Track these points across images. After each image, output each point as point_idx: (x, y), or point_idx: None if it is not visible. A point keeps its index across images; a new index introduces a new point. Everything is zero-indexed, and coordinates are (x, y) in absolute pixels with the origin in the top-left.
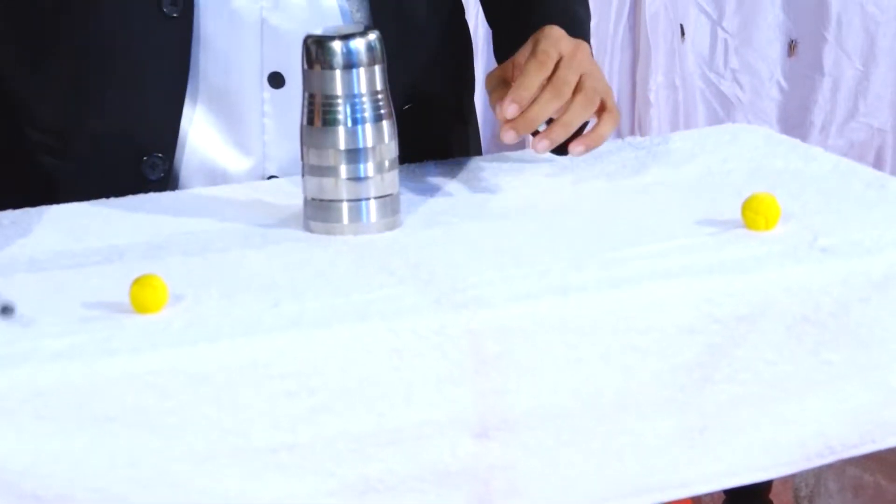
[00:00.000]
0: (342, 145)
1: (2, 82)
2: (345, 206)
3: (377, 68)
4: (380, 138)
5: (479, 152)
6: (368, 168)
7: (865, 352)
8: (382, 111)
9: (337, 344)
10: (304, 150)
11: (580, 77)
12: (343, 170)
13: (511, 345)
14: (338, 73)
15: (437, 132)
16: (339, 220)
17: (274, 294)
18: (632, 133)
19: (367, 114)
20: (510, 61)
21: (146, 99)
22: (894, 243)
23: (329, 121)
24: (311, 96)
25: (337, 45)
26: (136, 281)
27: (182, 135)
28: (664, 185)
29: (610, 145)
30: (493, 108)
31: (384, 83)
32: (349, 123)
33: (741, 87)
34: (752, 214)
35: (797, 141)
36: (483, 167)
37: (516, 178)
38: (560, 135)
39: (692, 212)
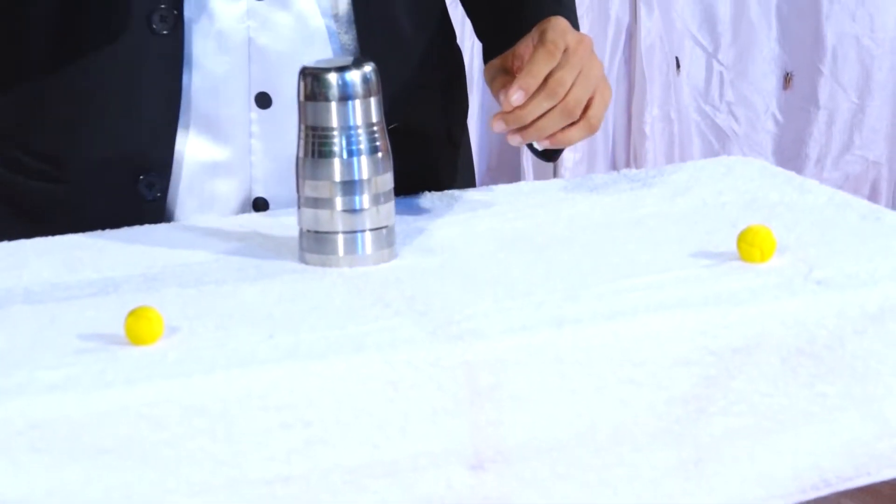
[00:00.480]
0: (338, 177)
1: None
2: (340, 238)
3: (373, 100)
4: (375, 170)
5: (471, 179)
6: (364, 200)
7: (861, 384)
8: (378, 143)
9: (332, 376)
10: (300, 181)
11: (574, 80)
12: (338, 202)
13: (506, 377)
14: (333, 105)
15: (424, 156)
16: (334, 251)
17: (269, 326)
18: (627, 165)
19: (363, 146)
20: (510, 52)
21: (140, 118)
22: (889, 276)
23: (324, 153)
24: (307, 128)
25: (333, 77)
26: (132, 313)
27: (177, 154)
28: (659, 217)
29: (605, 178)
30: (496, 96)
31: (380, 115)
32: (345, 155)
33: (736, 119)
34: (748, 247)
35: (792, 173)
36: (478, 198)
37: (511, 209)
38: (531, 136)
39: (687, 244)
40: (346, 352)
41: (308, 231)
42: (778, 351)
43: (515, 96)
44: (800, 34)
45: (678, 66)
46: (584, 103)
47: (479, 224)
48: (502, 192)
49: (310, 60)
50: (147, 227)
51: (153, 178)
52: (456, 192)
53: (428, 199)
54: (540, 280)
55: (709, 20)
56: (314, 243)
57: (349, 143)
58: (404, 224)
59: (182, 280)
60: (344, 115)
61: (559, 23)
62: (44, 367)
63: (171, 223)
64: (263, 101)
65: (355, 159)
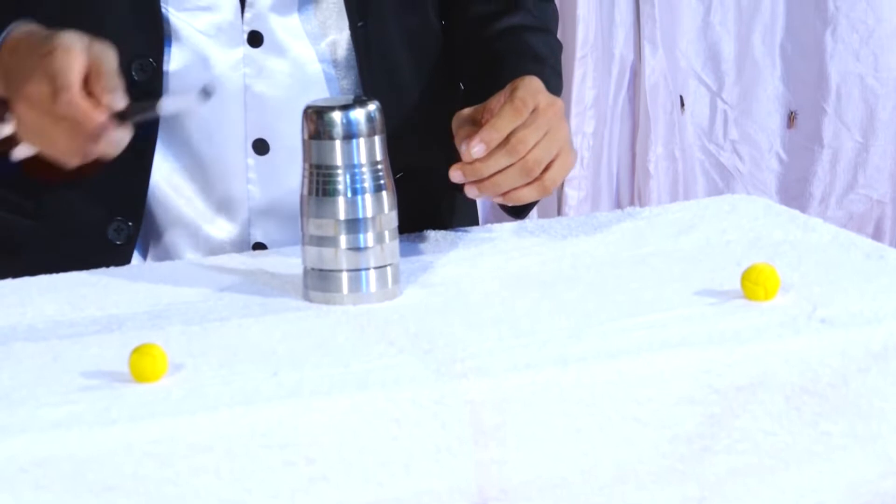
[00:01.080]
0: (342, 215)
1: None
2: (344, 276)
3: (377, 138)
4: (380, 209)
5: (474, 217)
6: (368, 238)
7: (864, 423)
8: (382, 181)
9: (336, 413)
10: (304, 219)
11: (538, 140)
12: (343, 240)
13: (510, 415)
14: (338, 143)
15: (427, 195)
16: (338, 289)
17: (273, 363)
18: (631, 203)
19: (367, 184)
20: (482, 105)
21: (115, 162)
22: (893, 314)
23: (329, 191)
24: (311, 166)
25: (337, 116)
26: (136, 350)
27: (160, 200)
28: (663, 256)
29: (610, 216)
30: (459, 146)
31: (384, 153)
32: (349, 194)
33: (740, 158)
34: (752, 285)
35: (796, 212)
36: (482, 237)
37: (515, 247)
38: (487, 190)
39: (691, 282)
40: (349, 389)
41: (312, 269)
42: (782, 389)
43: (476, 149)
44: (804, 73)
45: (682, 104)
46: (543, 164)
47: (483, 262)
48: (506, 230)
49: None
50: (151, 264)
51: (121, 224)
52: (460, 231)
53: (432, 237)
54: (544, 318)
55: (713, 59)
56: (318, 281)
57: (353, 182)
58: (408, 262)
59: (186, 317)
60: (348, 154)
61: (533, 82)
62: (47, 404)
63: (175, 261)
64: (261, 147)
65: (359, 198)
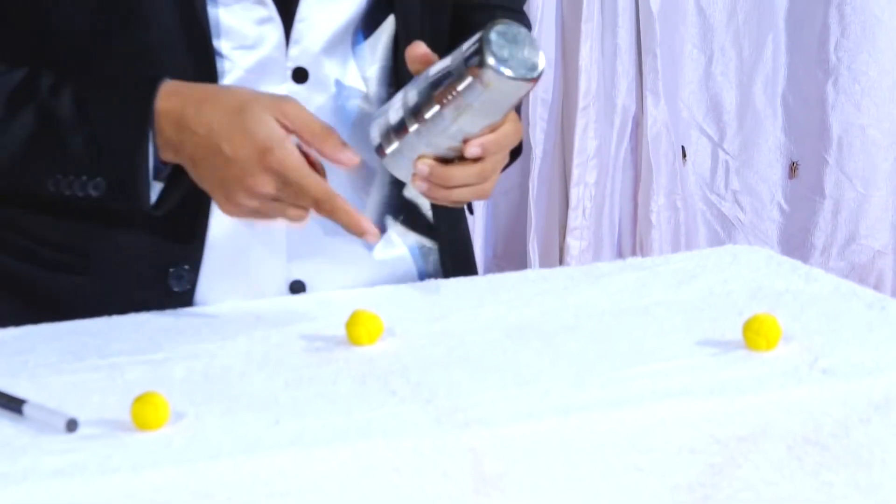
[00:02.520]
0: None
1: (7, 206)
2: None
3: None
4: None
5: (473, 266)
6: None
7: (866, 473)
8: None
9: (338, 462)
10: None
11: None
12: None
13: (512, 464)
14: None
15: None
16: None
17: (275, 412)
18: (633, 254)
19: None
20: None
21: (173, 212)
22: (895, 365)
23: None
24: None
25: None
26: (138, 398)
27: (210, 241)
28: (665, 306)
29: (611, 266)
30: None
31: None
32: None
33: (742, 208)
34: (753, 335)
35: (798, 262)
36: (484, 286)
37: (517, 296)
38: (438, 194)
39: (693, 332)
40: (351, 438)
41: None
42: (783, 439)
43: (474, 150)
44: (805, 124)
45: (684, 154)
46: (496, 171)
47: (485, 311)
48: (508, 279)
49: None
50: (153, 313)
51: (182, 271)
52: (462, 279)
53: (434, 285)
54: (546, 368)
55: (714, 109)
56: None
57: None
58: (410, 311)
59: (188, 365)
60: None
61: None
62: (49, 452)
63: (177, 309)
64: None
65: None
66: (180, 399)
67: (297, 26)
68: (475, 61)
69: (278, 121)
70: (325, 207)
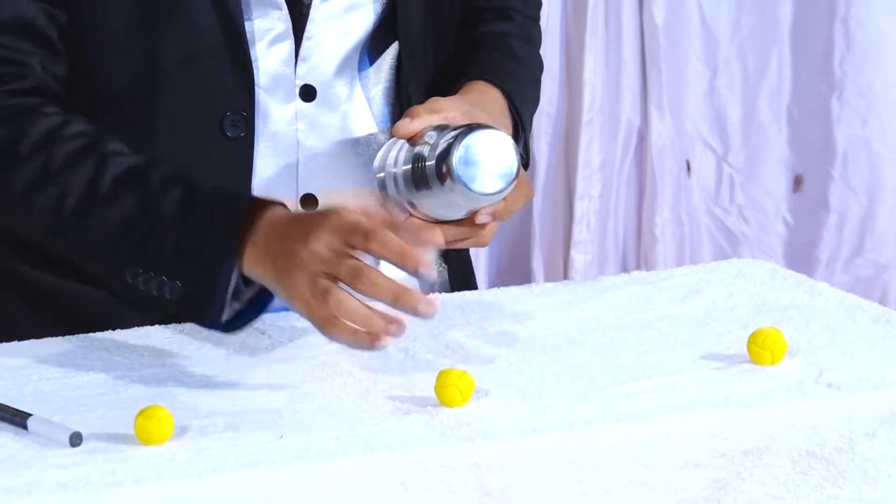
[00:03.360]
0: None
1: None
2: None
3: None
4: None
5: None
6: None
7: (871, 487)
8: None
9: (342, 476)
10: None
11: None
12: None
13: (516, 478)
14: None
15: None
16: None
17: (279, 426)
18: (637, 268)
19: None
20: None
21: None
22: None
23: None
24: None
25: None
26: (142, 412)
27: None
28: (670, 320)
29: (616, 280)
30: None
31: None
32: None
33: (747, 222)
34: (758, 349)
35: (803, 276)
36: (488, 300)
37: (521, 311)
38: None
39: (698, 346)
40: (355, 452)
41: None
42: (788, 454)
43: (484, 218)
44: (810, 137)
45: (689, 168)
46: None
47: (489, 326)
48: (512, 294)
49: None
50: (157, 327)
51: None
52: (466, 294)
53: (437, 300)
54: (550, 382)
55: (719, 123)
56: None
57: None
58: (414, 325)
59: (192, 379)
60: None
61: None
62: (53, 466)
63: (182, 324)
64: (309, 202)
65: None
66: (184, 413)
67: (306, 44)
68: (444, 168)
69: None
70: (379, 239)
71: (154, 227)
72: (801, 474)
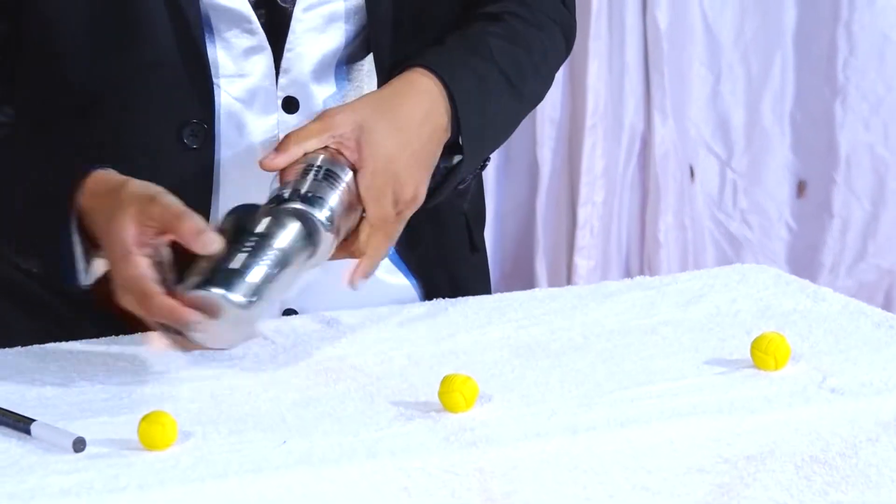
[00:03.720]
0: None
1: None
2: None
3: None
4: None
5: (487, 284)
6: None
7: (874, 492)
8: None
9: (345, 482)
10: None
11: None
12: None
13: (520, 484)
14: None
15: (450, 267)
16: None
17: (282, 431)
18: (641, 273)
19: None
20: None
21: None
22: None
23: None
24: None
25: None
26: (145, 418)
27: None
28: (673, 325)
29: (619, 285)
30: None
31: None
32: None
33: (750, 227)
34: (762, 354)
35: (806, 281)
36: (492, 305)
37: (525, 316)
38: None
39: (701, 351)
40: (359, 458)
41: None
42: (792, 459)
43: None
44: (813, 142)
45: (692, 173)
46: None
47: (493, 330)
48: (517, 298)
49: None
50: (161, 332)
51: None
52: (470, 299)
53: (442, 305)
54: (554, 387)
55: (722, 128)
56: None
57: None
58: (417, 330)
59: (196, 385)
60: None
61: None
62: (56, 471)
63: None
64: None
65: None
66: (187, 419)
67: (287, 55)
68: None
69: (142, 225)
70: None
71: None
72: (804, 479)
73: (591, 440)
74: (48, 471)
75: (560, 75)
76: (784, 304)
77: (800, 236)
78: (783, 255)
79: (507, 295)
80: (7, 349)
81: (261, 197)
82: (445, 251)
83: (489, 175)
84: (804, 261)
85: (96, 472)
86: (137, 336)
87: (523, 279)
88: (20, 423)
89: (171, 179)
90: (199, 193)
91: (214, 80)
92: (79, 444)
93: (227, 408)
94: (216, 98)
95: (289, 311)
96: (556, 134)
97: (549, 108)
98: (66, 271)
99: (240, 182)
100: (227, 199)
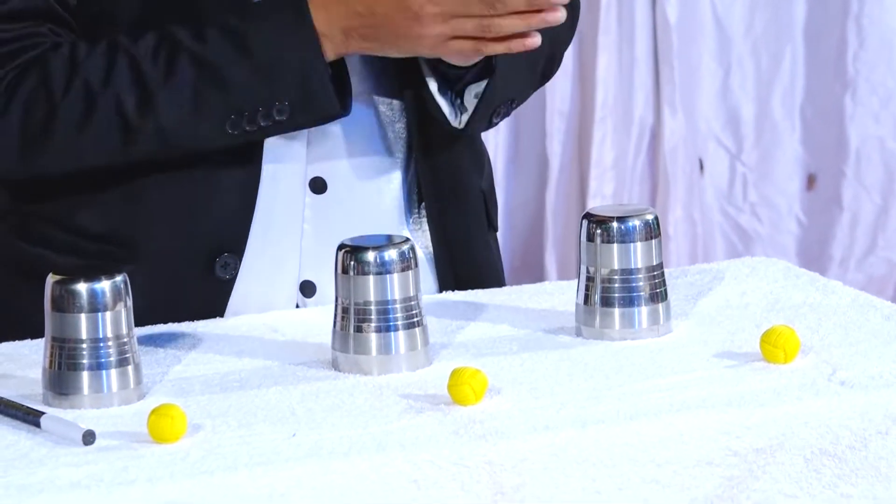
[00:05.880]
0: (374, 351)
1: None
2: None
3: (410, 273)
4: (412, 345)
5: (501, 269)
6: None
7: (884, 485)
8: (415, 318)
9: (355, 474)
10: (335, 354)
11: None
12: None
13: (529, 476)
14: (370, 278)
15: (471, 238)
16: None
17: (292, 425)
18: None
19: (400, 322)
20: None
21: (221, 199)
22: None
23: (362, 328)
24: (344, 302)
25: (370, 255)
26: (155, 410)
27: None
28: (683, 318)
29: None
30: None
31: (416, 288)
32: (381, 331)
33: (760, 220)
34: (771, 347)
35: (816, 274)
36: (502, 298)
37: (535, 309)
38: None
39: (711, 344)
40: (368, 450)
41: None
42: (801, 452)
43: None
44: (823, 136)
45: (701, 167)
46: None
47: (502, 323)
48: (525, 292)
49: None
50: (171, 325)
51: (228, 259)
52: (480, 292)
53: (452, 298)
54: (563, 380)
55: (732, 121)
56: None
57: (386, 320)
58: (431, 323)
59: (206, 378)
60: (381, 290)
61: None
62: (66, 464)
63: (195, 321)
64: (318, 186)
65: (392, 335)
66: (197, 412)
67: None
68: None
69: None
70: None
71: (221, 73)
72: (813, 472)
73: (601, 433)
74: (58, 463)
75: (570, 68)
76: (794, 297)
77: (809, 229)
78: (793, 249)
79: (516, 288)
80: (17, 342)
81: (286, 170)
82: (466, 230)
83: (498, 168)
84: (814, 254)
85: (106, 465)
86: (146, 329)
87: (533, 272)
88: (30, 416)
89: (220, 155)
90: (249, 171)
91: None
92: (88, 437)
93: (236, 400)
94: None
95: (306, 283)
96: (565, 127)
97: (559, 101)
98: (325, 95)
99: (275, 155)
100: (264, 175)
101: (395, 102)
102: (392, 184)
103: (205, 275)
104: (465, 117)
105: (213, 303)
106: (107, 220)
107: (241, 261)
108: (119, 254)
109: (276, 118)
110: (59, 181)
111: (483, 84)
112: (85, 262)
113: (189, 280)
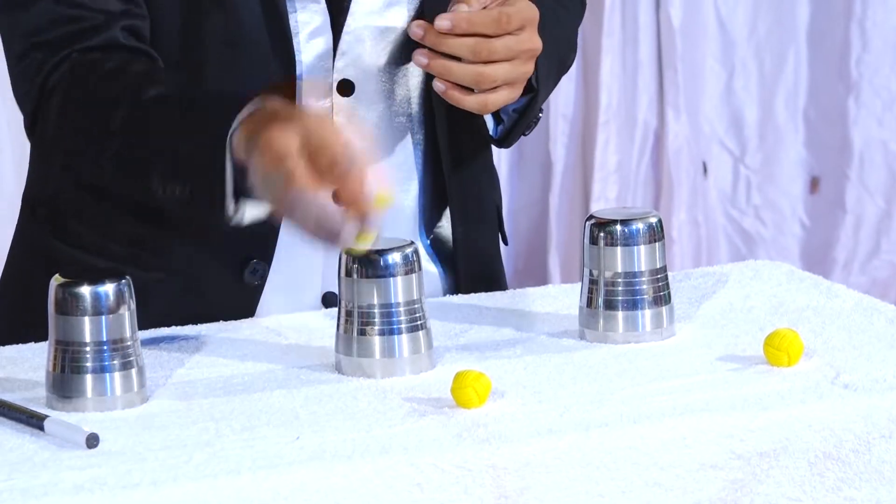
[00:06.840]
0: (377, 355)
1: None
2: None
3: (414, 277)
4: (415, 348)
5: (504, 277)
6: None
7: (888, 489)
8: (418, 321)
9: (358, 478)
10: (339, 357)
11: (502, 60)
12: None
13: (533, 480)
14: (374, 282)
15: (485, 251)
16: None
17: (295, 428)
18: None
19: (403, 325)
20: None
21: None
22: None
23: (366, 331)
24: (348, 305)
25: (374, 258)
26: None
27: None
28: (686, 321)
29: None
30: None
31: (420, 292)
32: (384, 334)
33: (763, 223)
34: (775, 350)
35: (819, 277)
36: (505, 302)
37: (538, 312)
38: (435, 68)
39: (714, 347)
40: (372, 454)
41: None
42: (805, 455)
43: (443, 23)
44: (827, 139)
45: (705, 170)
46: (495, 84)
47: (506, 327)
48: (529, 295)
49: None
50: (176, 328)
51: (257, 266)
52: (483, 295)
53: (455, 302)
54: (567, 383)
55: (736, 124)
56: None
57: (389, 323)
58: (435, 326)
59: (209, 381)
60: (385, 293)
61: (530, 9)
62: (70, 467)
63: (199, 325)
64: None
65: (395, 338)
66: (200, 415)
67: (345, 38)
68: None
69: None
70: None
71: (158, 137)
72: (817, 476)
73: (604, 436)
74: (61, 467)
75: (573, 71)
76: (797, 300)
77: (813, 232)
78: (796, 252)
79: (520, 291)
80: (20, 345)
81: None
82: (480, 244)
83: (502, 171)
84: (817, 257)
85: (109, 469)
86: (150, 332)
87: (536, 275)
88: (34, 419)
89: None
90: None
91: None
92: (92, 440)
93: (239, 404)
94: (299, 79)
95: (329, 294)
96: (569, 130)
97: (563, 105)
98: (217, 197)
99: None
100: None
101: (415, 115)
102: (409, 195)
103: (234, 281)
104: (499, 129)
105: (242, 308)
106: (140, 226)
107: (269, 267)
108: (147, 260)
109: (177, 195)
110: (101, 186)
111: (523, 100)
112: (111, 264)
113: (219, 286)
